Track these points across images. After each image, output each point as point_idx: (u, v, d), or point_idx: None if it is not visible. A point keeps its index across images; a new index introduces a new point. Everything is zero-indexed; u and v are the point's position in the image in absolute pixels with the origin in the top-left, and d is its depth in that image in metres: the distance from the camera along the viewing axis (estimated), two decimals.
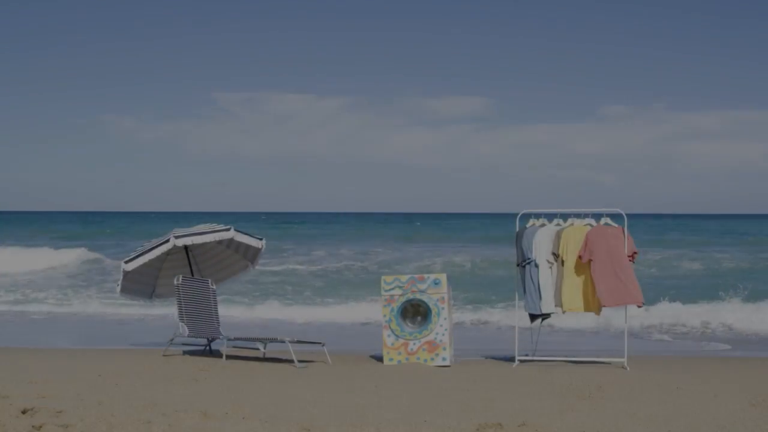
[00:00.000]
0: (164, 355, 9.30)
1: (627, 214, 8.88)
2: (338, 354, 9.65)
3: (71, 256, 26.28)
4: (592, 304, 8.75)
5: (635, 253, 8.90)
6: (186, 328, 9.16)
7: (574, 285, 8.75)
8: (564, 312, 8.88)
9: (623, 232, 8.82)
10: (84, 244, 31.08)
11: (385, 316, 8.79)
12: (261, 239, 10.09)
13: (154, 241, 9.64)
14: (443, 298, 8.75)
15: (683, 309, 14.61)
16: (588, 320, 12.34)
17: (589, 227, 8.86)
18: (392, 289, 8.82)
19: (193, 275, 10.12)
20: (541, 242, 8.84)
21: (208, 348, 9.75)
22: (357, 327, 13.50)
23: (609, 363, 9.06)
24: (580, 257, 8.71)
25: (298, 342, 9.14)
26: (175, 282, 9.38)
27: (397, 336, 8.74)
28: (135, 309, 14.24)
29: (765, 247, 32.77)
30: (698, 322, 13.43)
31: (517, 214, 9.23)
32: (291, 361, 8.69)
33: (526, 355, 9.17)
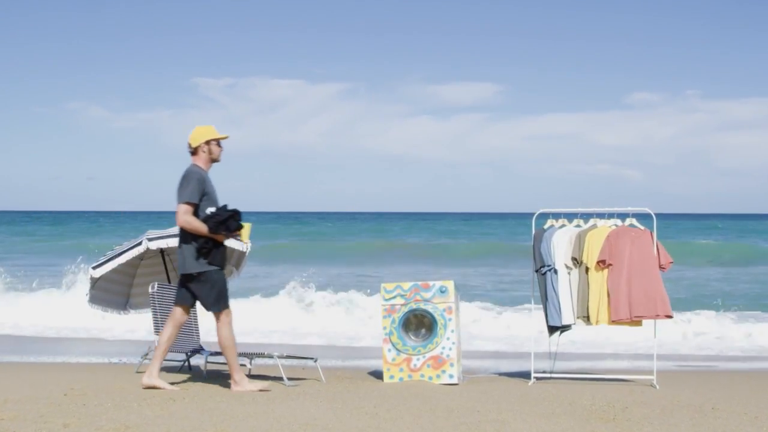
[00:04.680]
0: (138, 372, 9.29)
1: (656, 214, 8.86)
2: (333, 370, 9.64)
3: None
4: (607, 316, 8.71)
5: (670, 262, 8.87)
6: None
7: (603, 295, 8.69)
8: (589, 324, 8.84)
9: (651, 235, 8.80)
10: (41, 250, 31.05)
11: (385, 328, 8.78)
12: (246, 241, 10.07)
13: (126, 245, 9.64)
14: (450, 308, 8.74)
15: (717, 320, 14.60)
16: (613, 333, 12.33)
17: (614, 228, 8.84)
18: (393, 297, 8.81)
19: (170, 282, 10.11)
20: (558, 244, 8.83)
21: (186, 363, 9.74)
22: (353, 340, 13.49)
23: (636, 381, 9.05)
24: (599, 262, 8.68)
25: (288, 357, 9.14)
26: (150, 290, 9.37)
27: (398, 350, 8.73)
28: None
29: None
30: (739, 335, 13.43)
31: (532, 214, 9.23)
32: (280, 379, 8.69)
33: (543, 372, 9.16)
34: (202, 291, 7.85)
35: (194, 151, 7.95)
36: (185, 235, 7.80)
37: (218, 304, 7.86)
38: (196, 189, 7.75)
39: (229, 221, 7.79)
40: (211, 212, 7.79)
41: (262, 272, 23.76)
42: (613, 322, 8.70)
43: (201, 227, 7.74)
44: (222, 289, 7.89)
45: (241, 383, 7.88)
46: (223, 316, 7.88)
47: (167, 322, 8.01)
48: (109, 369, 9.82)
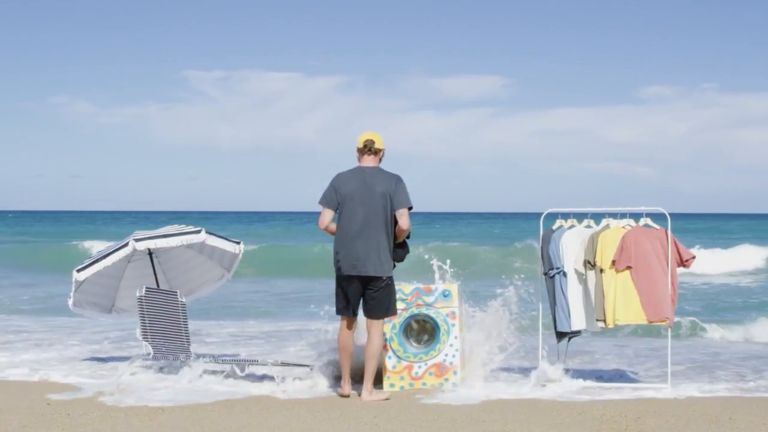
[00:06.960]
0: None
1: (670, 214, 8.85)
2: (330, 378, 9.62)
3: None
4: (640, 315, 8.70)
5: (693, 257, 8.86)
6: (150, 347, 9.14)
7: (618, 296, 8.67)
8: (605, 327, 8.79)
9: (666, 235, 8.78)
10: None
11: (385, 334, 8.77)
12: (238, 243, 10.09)
13: (112, 246, 9.62)
14: (454, 312, 8.73)
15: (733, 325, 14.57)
16: (625, 339, 12.32)
17: (629, 228, 8.82)
18: None
19: (158, 286, 10.10)
20: (568, 246, 8.81)
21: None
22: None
23: (649, 389, 9.04)
24: (613, 263, 8.67)
25: (283, 365, 9.13)
26: (138, 294, 9.36)
27: (399, 357, 8.72)
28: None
29: None
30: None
31: (540, 214, 9.21)
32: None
33: (552, 380, 9.14)
34: (384, 295, 8.02)
35: (376, 152, 8.11)
36: (389, 238, 7.98)
37: (390, 310, 8.10)
38: None
39: None
40: None
41: (255, 276, 23.73)
42: (650, 322, 8.69)
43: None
44: (395, 296, 8.16)
45: (374, 393, 8.05)
46: (383, 323, 8.12)
47: (345, 335, 8.15)
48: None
